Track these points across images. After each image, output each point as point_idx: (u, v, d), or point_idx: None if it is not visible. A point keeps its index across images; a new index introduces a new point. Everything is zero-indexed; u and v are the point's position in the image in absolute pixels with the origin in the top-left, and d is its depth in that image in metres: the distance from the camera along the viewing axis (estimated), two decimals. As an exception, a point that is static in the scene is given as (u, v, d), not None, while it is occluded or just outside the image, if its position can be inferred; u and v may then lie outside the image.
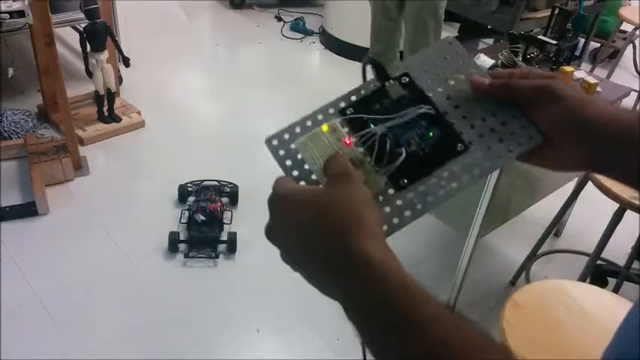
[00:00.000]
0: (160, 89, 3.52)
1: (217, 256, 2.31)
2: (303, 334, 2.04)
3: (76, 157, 2.67)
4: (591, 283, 2.18)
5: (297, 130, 0.54)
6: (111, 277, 2.18)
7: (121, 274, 2.20)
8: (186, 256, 2.29)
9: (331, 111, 0.55)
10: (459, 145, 0.53)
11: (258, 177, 2.62)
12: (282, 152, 0.52)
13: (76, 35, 2.93)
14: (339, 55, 4.28)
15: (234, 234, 2.33)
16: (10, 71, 2.90)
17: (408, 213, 0.51)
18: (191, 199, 2.54)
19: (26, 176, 2.58)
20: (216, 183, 2.62)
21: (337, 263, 0.44)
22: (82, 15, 2.75)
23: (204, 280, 2.23)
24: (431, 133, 0.53)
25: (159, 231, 2.35)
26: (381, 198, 0.51)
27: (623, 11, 3.78)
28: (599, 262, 2.05)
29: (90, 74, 2.83)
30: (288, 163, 0.52)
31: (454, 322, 0.41)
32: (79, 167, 2.69)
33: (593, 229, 2.23)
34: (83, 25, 2.77)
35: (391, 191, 0.51)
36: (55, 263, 2.20)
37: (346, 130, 0.53)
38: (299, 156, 0.52)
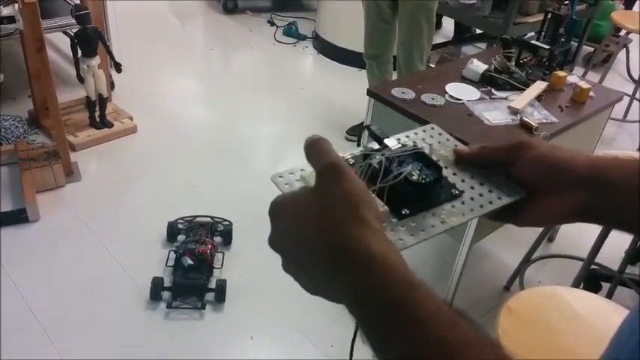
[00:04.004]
0: (152, 94, 3.50)
1: (204, 307, 2.09)
2: (297, 341, 2.03)
3: (67, 163, 2.65)
4: (585, 287, 2.18)
5: (302, 169, 0.57)
6: (103, 285, 2.16)
7: (113, 281, 2.18)
8: (169, 306, 2.08)
9: None
10: (454, 190, 0.59)
11: (251, 184, 2.64)
12: (287, 186, 0.56)
13: (68, 40, 2.91)
14: (332, 59, 4.28)
15: (224, 281, 2.13)
16: (1, 77, 2.88)
17: (411, 236, 0.55)
18: (181, 237, 2.34)
19: (17, 182, 2.56)
20: (210, 220, 2.42)
21: (340, 259, 0.44)
22: (73, 20, 2.74)
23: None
24: (430, 170, 0.58)
25: (149, 246, 2.31)
26: (384, 224, 0.55)
27: (616, 15, 3.79)
28: (592, 266, 2.04)
29: (81, 80, 2.81)
30: None
31: (452, 320, 0.41)
32: (71, 173, 2.67)
33: (586, 234, 2.23)
34: (74, 31, 2.76)
35: (394, 220, 0.55)
36: (46, 271, 2.18)
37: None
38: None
